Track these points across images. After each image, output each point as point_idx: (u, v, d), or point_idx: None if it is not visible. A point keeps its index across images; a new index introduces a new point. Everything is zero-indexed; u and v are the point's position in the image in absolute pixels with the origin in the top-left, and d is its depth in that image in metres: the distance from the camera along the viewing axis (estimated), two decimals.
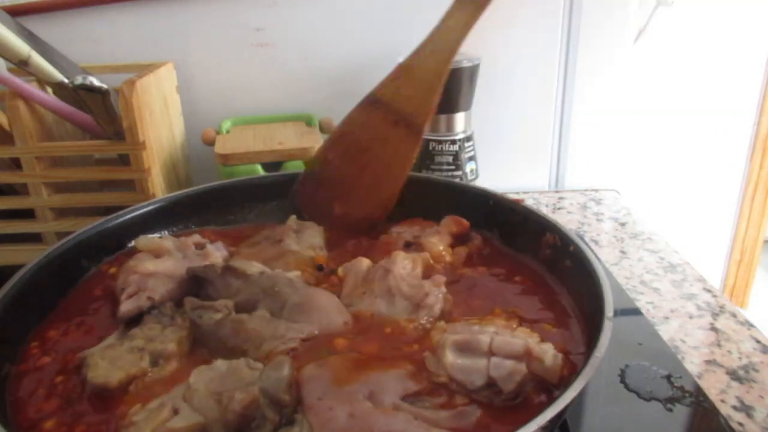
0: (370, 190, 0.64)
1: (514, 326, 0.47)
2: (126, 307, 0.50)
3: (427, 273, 0.54)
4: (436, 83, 0.57)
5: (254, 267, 0.54)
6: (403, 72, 0.59)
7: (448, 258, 0.59)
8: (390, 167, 0.63)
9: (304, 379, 0.43)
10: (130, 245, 0.62)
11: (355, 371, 0.43)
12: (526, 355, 0.42)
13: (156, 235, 0.64)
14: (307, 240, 0.63)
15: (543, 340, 0.44)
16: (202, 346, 0.48)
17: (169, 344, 0.46)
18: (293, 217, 0.67)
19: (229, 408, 0.38)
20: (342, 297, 0.53)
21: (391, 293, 0.50)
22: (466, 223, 0.62)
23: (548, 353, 0.42)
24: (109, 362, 0.44)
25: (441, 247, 0.59)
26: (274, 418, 0.39)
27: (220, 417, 0.38)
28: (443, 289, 0.51)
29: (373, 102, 0.62)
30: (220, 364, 0.42)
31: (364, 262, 0.54)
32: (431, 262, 0.56)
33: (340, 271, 0.56)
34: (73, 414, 0.42)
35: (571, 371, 0.43)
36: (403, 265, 0.52)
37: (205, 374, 0.41)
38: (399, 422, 0.39)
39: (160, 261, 0.54)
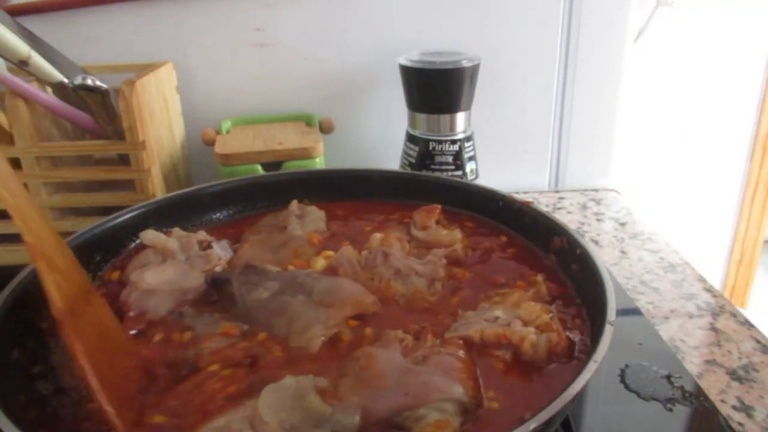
0: None
1: (527, 298, 0.51)
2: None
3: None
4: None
5: (272, 267, 0.55)
6: None
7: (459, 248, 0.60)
8: None
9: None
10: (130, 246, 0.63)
11: None
12: (509, 343, 0.46)
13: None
14: (310, 224, 0.65)
15: (551, 313, 0.48)
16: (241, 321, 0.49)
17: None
18: (295, 201, 0.68)
19: None
20: None
21: (403, 273, 0.55)
22: (436, 207, 0.64)
23: (526, 340, 0.46)
24: None
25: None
26: None
27: None
28: (443, 260, 0.57)
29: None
30: (288, 381, 0.41)
31: (350, 250, 0.58)
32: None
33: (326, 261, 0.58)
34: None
35: (567, 346, 0.46)
36: (398, 247, 0.58)
37: (273, 397, 0.40)
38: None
39: (161, 270, 0.54)
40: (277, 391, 0.40)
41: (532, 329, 0.46)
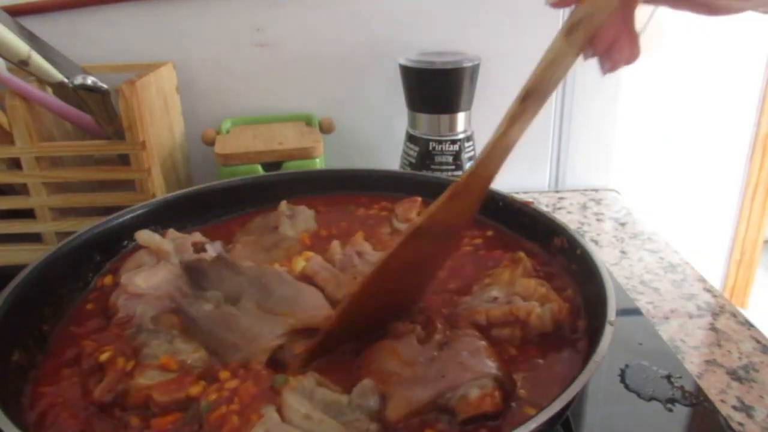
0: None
1: (517, 275, 0.52)
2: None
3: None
4: (482, 194, 0.49)
5: (246, 262, 0.54)
6: (461, 191, 0.48)
7: None
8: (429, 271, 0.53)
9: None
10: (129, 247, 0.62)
11: None
12: (516, 320, 0.47)
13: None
14: (301, 224, 0.65)
15: (546, 289, 0.50)
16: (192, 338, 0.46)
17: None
18: (284, 202, 0.68)
19: None
20: (333, 293, 0.52)
21: None
22: (417, 199, 0.65)
23: (533, 314, 0.47)
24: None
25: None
26: None
27: None
28: None
29: (418, 234, 0.48)
30: (294, 384, 0.41)
31: (318, 258, 0.57)
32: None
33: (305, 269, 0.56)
34: None
35: (569, 311, 0.49)
36: (368, 245, 0.58)
37: (298, 397, 0.40)
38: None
39: (152, 273, 0.53)
40: (292, 393, 0.40)
41: (535, 303, 0.48)
